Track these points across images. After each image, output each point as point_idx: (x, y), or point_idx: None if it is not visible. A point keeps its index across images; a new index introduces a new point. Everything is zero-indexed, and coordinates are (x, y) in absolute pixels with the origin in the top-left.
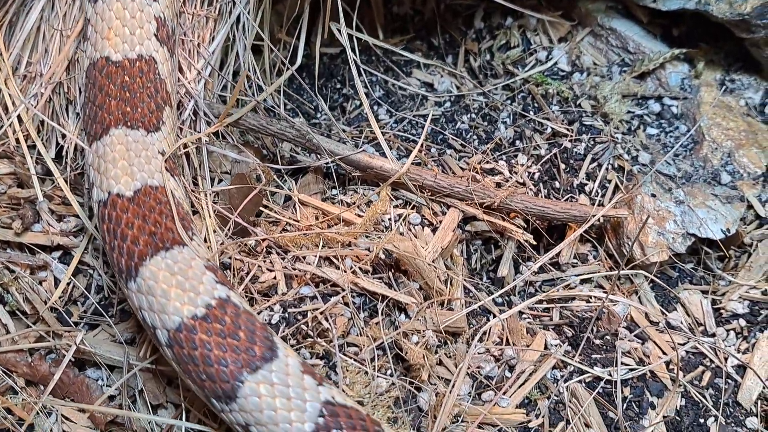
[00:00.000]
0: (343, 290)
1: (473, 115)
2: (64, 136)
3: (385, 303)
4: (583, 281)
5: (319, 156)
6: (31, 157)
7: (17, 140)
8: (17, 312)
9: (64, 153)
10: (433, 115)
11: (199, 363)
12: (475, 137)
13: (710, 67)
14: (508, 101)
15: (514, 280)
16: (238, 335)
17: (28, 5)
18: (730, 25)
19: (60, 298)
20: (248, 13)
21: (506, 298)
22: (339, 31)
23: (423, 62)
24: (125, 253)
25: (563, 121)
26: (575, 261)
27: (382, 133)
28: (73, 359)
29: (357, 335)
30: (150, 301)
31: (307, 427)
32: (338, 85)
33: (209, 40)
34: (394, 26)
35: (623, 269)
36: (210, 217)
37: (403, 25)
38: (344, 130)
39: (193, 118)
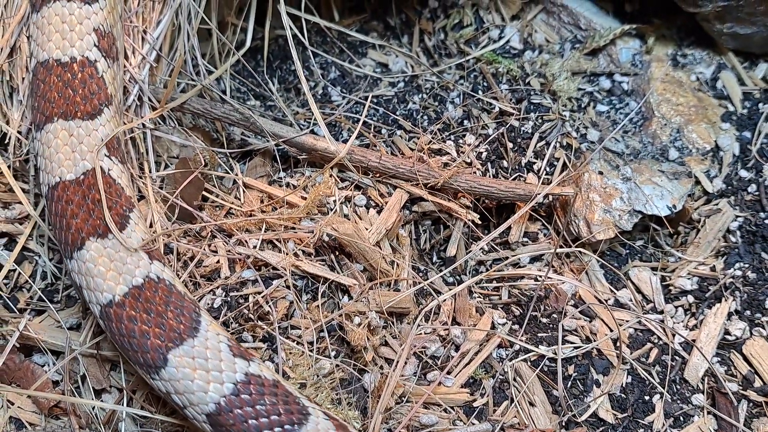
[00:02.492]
0: (285, 273)
1: (424, 95)
2: (7, 122)
3: (327, 285)
4: (532, 260)
5: (265, 139)
6: None
7: None
8: None
9: (7, 141)
10: (385, 96)
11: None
12: (425, 118)
13: (662, 42)
14: (460, 80)
15: (463, 257)
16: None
17: None
18: (679, 1)
19: (6, 284)
20: None
21: (457, 277)
22: (286, 14)
23: (375, 43)
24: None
25: (511, 99)
26: (525, 240)
27: (332, 113)
28: (18, 345)
29: (300, 318)
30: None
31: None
32: (293, 67)
33: (154, 25)
34: (351, 5)
35: (560, 247)
36: (156, 202)
37: (360, 4)
38: (297, 113)
39: (138, 103)
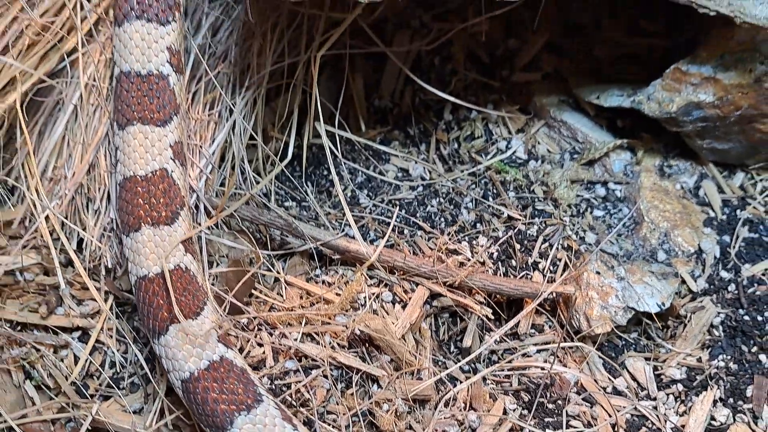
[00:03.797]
0: (323, 364)
1: (441, 200)
2: (84, 229)
3: (359, 375)
4: (539, 350)
5: (304, 241)
6: (55, 249)
7: (43, 235)
8: (42, 386)
9: (84, 245)
10: (407, 199)
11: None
12: (442, 220)
13: (650, 154)
14: (473, 186)
15: (478, 349)
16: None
17: (55, 116)
18: (662, 121)
19: (78, 373)
20: (243, 116)
21: (472, 365)
22: (321, 129)
23: (397, 154)
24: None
25: (518, 206)
26: (533, 331)
27: (362, 216)
28: (89, 428)
29: (335, 404)
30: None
31: None
32: (325, 172)
33: (210, 141)
34: (375, 118)
35: (564, 340)
36: (210, 298)
37: (384, 116)
38: (329, 213)
39: (195, 210)
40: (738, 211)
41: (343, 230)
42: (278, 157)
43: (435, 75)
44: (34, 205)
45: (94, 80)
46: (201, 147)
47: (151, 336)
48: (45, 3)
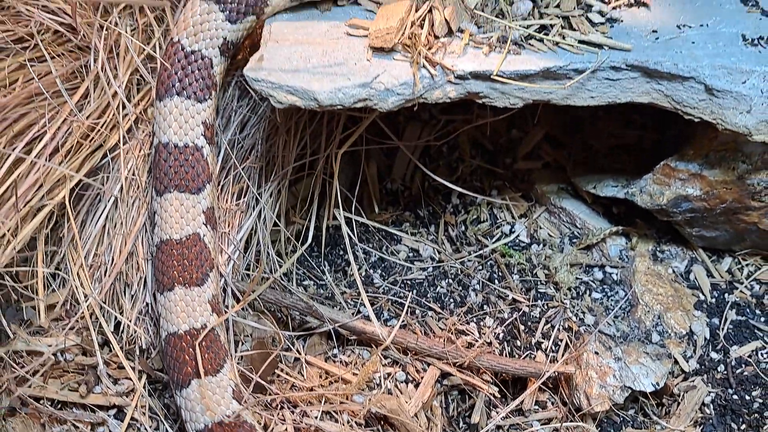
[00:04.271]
0: None
1: (450, 281)
2: (121, 312)
3: None
4: (543, 425)
5: (323, 322)
6: (95, 330)
7: (85, 318)
8: None
9: (121, 328)
10: (417, 280)
11: None
12: (451, 300)
13: (644, 240)
14: (479, 267)
15: (485, 425)
16: None
17: (96, 206)
18: (653, 212)
19: None
20: (268, 205)
21: None
22: (340, 216)
23: (406, 237)
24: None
25: (522, 289)
26: (536, 407)
27: (375, 296)
28: None
29: None
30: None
31: None
32: (342, 252)
33: (237, 229)
34: (388, 199)
35: (565, 420)
36: (235, 378)
37: (395, 198)
38: (345, 292)
39: (223, 293)
40: (726, 295)
41: (359, 310)
42: (299, 240)
43: (443, 161)
44: (77, 291)
45: (134, 174)
46: (229, 234)
47: (174, 388)
48: (91, 105)
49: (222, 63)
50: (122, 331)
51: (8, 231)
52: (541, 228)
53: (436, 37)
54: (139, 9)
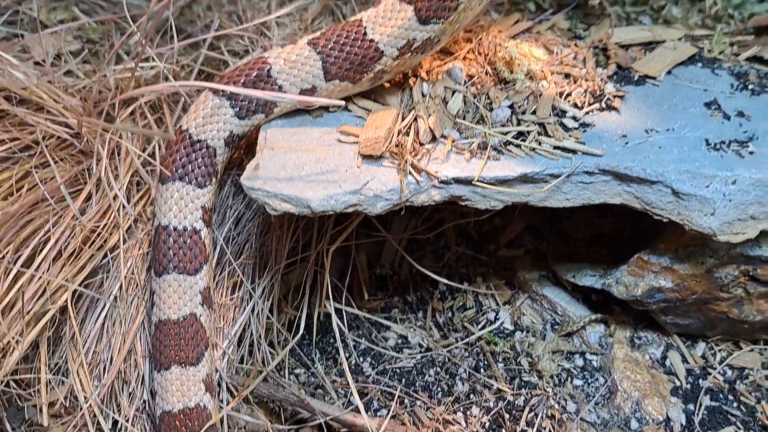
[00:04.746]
0: None
1: (438, 369)
2: (119, 410)
3: None
4: None
5: (315, 415)
6: (92, 427)
7: (83, 415)
8: None
9: (119, 426)
10: (406, 368)
11: None
12: (439, 389)
13: (621, 327)
14: (466, 355)
15: None
16: None
17: (96, 305)
18: (629, 302)
19: None
20: (261, 299)
21: None
22: (330, 307)
23: (395, 325)
24: None
25: (506, 378)
26: None
27: (365, 385)
28: None
29: None
30: None
31: None
32: (332, 340)
33: (232, 323)
34: (377, 285)
35: None
36: None
37: (384, 284)
38: (335, 381)
39: (218, 387)
40: (700, 380)
41: (349, 401)
42: (291, 329)
43: (430, 248)
44: (77, 390)
45: (132, 273)
46: (224, 329)
47: None
48: (93, 208)
49: (225, 153)
50: (120, 429)
51: (13, 338)
52: (524, 315)
53: (421, 144)
54: (140, 112)
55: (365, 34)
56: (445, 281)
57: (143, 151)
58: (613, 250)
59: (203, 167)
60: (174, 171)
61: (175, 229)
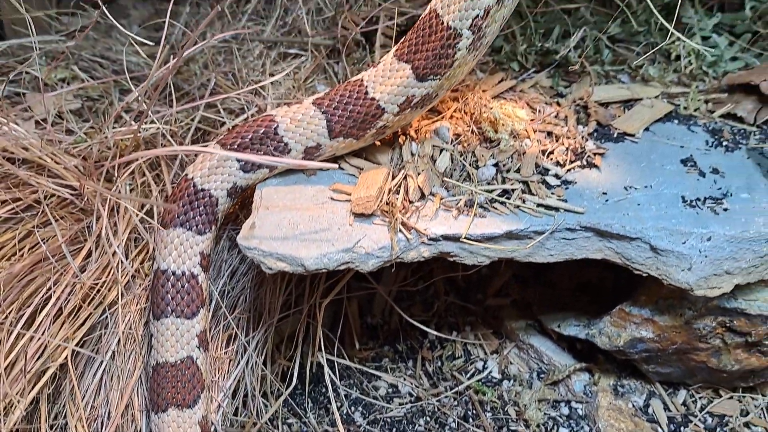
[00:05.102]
0: None
1: (428, 418)
2: None
3: None
4: None
5: None
6: None
7: None
8: None
9: None
10: (396, 417)
11: None
12: None
13: (605, 375)
14: (455, 404)
15: None
16: None
17: (94, 359)
18: (612, 352)
19: None
20: (255, 351)
21: None
22: (322, 359)
23: (386, 375)
24: None
25: (494, 427)
26: None
27: None
28: None
29: None
30: None
31: None
32: (324, 389)
33: (226, 375)
34: (368, 334)
35: None
36: None
37: (375, 333)
38: (327, 431)
39: None
40: (682, 428)
41: None
42: (284, 379)
43: (420, 297)
44: None
45: (131, 328)
46: (218, 382)
47: None
48: (93, 265)
49: (227, 203)
50: None
51: (15, 396)
52: (511, 363)
53: (411, 202)
54: (139, 170)
55: (367, 93)
56: (434, 332)
57: (142, 207)
58: (597, 299)
59: (204, 215)
60: (176, 217)
61: (173, 273)
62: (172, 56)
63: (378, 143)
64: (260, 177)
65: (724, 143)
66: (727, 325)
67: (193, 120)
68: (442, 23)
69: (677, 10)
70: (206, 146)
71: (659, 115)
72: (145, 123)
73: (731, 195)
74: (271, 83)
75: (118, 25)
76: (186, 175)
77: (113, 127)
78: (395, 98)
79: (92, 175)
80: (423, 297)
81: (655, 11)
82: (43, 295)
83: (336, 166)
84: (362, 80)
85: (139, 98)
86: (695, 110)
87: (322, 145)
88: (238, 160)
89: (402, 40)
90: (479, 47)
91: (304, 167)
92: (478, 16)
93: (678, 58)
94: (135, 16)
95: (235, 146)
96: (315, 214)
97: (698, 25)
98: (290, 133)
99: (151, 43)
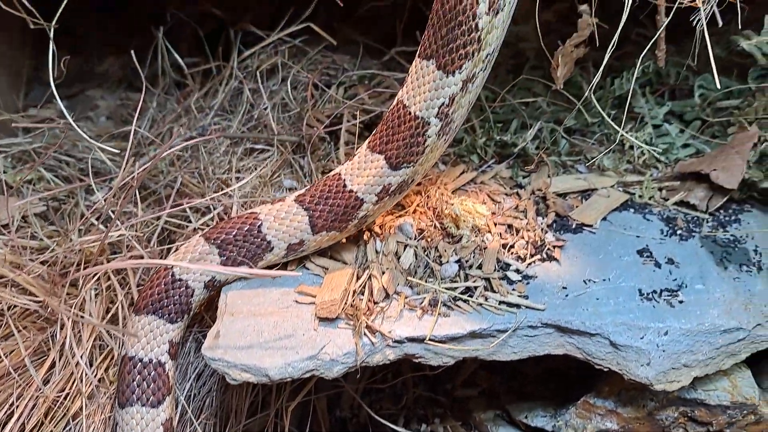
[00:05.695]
0: None
1: None
2: None
3: None
4: None
5: None
6: None
7: None
8: None
9: None
10: None
11: None
12: None
13: None
14: None
15: None
16: None
17: None
18: None
19: None
20: None
21: None
22: None
23: None
24: None
25: None
26: None
27: None
28: None
29: None
30: None
31: None
32: None
33: None
34: (338, 427)
35: None
36: None
37: (345, 426)
38: None
39: None
40: None
41: None
42: None
43: (389, 390)
44: None
45: None
46: None
47: None
48: (56, 376)
49: (203, 294)
50: None
51: None
52: None
53: (375, 303)
54: (104, 274)
55: (345, 185)
56: (402, 430)
57: (107, 312)
58: (563, 385)
59: (178, 305)
60: (149, 304)
61: (140, 360)
62: (139, 154)
63: (344, 240)
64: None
65: (678, 232)
66: (689, 415)
67: (158, 219)
68: (410, 113)
69: (629, 100)
70: (177, 254)
71: (615, 204)
72: (110, 222)
73: (686, 286)
74: (236, 177)
75: (85, 136)
76: (166, 267)
77: (79, 228)
78: (372, 188)
79: (57, 284)
80: (392, 390)
81: (603, 113)
82: (5, 412)
83: (299, 274)
84: (340, 174)
85: (105, 205)
86: (650, 198)
87: (305, 241)
88: (220, 255)
89: (374, 132)
90: (448, 131)
91: (267, 276)
92: (443, 104)
93: (632, 147)
94: (103, 107)
95: (219, 241)
96: (280, 319)
97: (650, 114)
98: (273, 231)
99: (116, 151)
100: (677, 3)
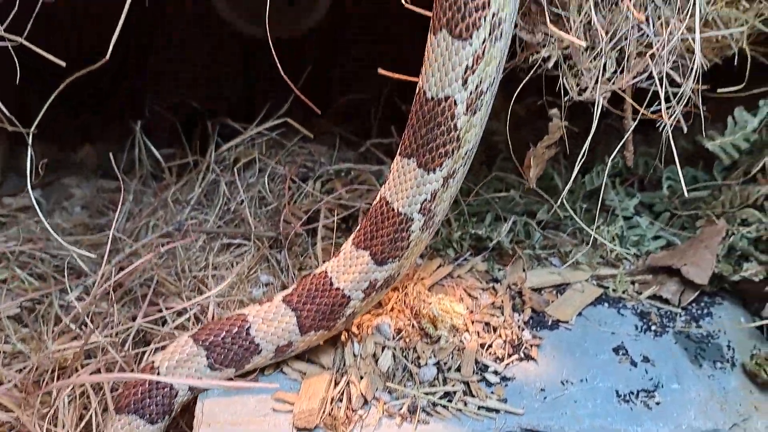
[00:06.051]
0: None
1: None
2: None
3: None
4: None
5: None
6: None
7: None
8: None
9: None
10: None
11: None
12: None
13: None
14: None
15: None
16: None
17: None
18: None
19: None
20: None
21: None
22: None
23: None
24: None
25: None
26: None
27: None
28: None
29: None
30: None
31: None
32: None
33: None
34: None
35: None
36: None
37: None
38: None
39: None
40: None
41: None
42: None
43: None
44: None
45: None
46: None
47: None
48: None
49: (187, 395)
50: None
51: None
52: None
53: (354, 410)
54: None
55: (332, 283)
56: None
57: (81, 419)
58: None
59: (160, 405)
60: (131, 403)
61: None
62: (115, 250)
63: (322, 342)
64: (226, 375)
65: (653, 327)
66: None
67: (134, 319)
68: (393, 210)
69: (601, 196)
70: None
71: (590, 299)
72: (84, 326)
73: (662, 386)
74: (213, 276)
75: (63, 242)
76: (153, 362)
77: (52, 330)
78: (359, 285)
79: (31, 394)
80: None
81: (573, 214)
82: None
83: (277, 385)
84: (326, 271)
85: (81, 312)
86: (623, 292)
87: (293, 342)
88: (207, 357)
89: (358, 228)
90: (431, 225)
91: (243, 388)
92: (425, 200)
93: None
94: (78, 196)
95: (207, 343)
96: (258, 429)
97: (620, 206)
98: (261, 333)
99: (92, 255)
100: (640, 113)
